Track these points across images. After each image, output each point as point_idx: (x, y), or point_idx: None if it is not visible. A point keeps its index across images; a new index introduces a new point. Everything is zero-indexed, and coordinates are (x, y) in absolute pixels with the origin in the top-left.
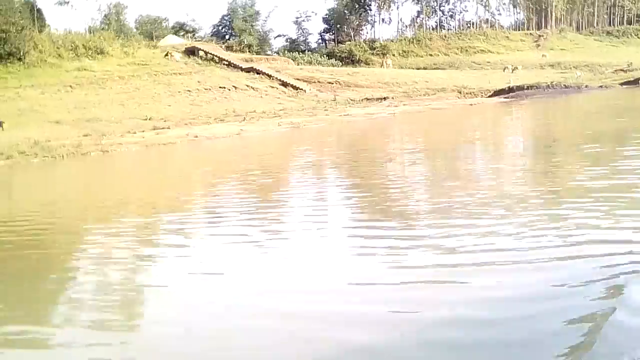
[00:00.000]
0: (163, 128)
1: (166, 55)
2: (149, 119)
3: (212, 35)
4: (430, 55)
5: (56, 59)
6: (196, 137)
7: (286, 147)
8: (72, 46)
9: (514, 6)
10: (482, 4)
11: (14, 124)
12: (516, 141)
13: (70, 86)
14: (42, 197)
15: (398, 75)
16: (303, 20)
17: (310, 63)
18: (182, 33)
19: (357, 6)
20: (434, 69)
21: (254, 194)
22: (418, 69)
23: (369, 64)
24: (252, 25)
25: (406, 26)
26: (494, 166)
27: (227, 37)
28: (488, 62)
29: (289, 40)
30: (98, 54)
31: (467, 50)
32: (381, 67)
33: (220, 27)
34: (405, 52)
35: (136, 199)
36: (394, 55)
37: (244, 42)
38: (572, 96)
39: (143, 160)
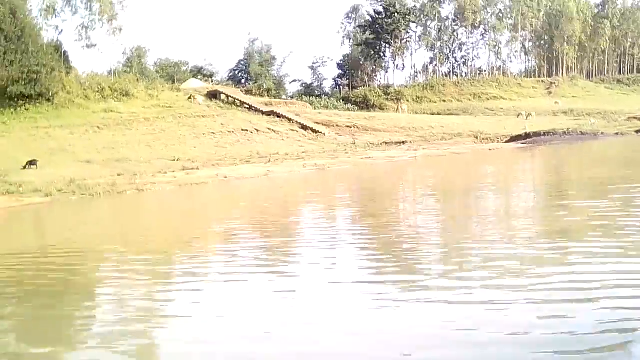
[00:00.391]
0: (192, 169)
1: (189, 98)
2: (177, 160)
3: (228, 79)
4: (444, 101)
5: (83, 100)
6: (226, 177)
7: (317, 187)
8: (98, 88)
9: (526, 54)
10: (494, 52)
11: (46, 162)
12: (547, 189)
13: (98, 127)
14: (96, 231)
15: (414, 120)
16: (319, 66)
17: (327, 107)
18: (199, 77)
19: (372, 53)
20: (448, 114)
21: (289, 236)
22: (432, 114)
23: (383, 109)
24: (268, 70)
25: (419, 72)
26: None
27: (243, 80)
28: (501, 108)
29: (304, 85)
30: (123, 96)
31: (479, 97)
32: (396, 112)
33: (236, 72)
34: (419, 97)
35: (179, 235)
36: (407, 100)
37: (262, 86)
38: (590, 143)
39: (179, 199)
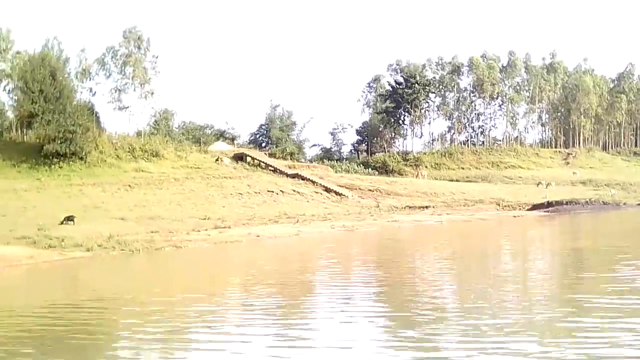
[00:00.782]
0: (224, 227)
1: (217, 160)
2: (207, 219)
3: (250, 142)
4: (462, 168)
5: (115, 159)
6: (258, 236)
7: (350, 248)
8: (129, 148)
9: (542, 125)
10: (511, 122)
11: (80, 219)
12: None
13: (129, 185)
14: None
15: (434, 186)
16: (339, 132)
17: (348, 171)
18: (222, 139)
19: (392, 120)
20: (466, 181)
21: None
22: (451, 180)
23: (402, 174)
24: (288, 135)
25: (435, 140)
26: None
27: (263, 144)
28: (520, 177)
29: (323, 149)
30: (153, 156)
31: (497, 165)
32: (416, 177)
33: (257, 135)
34: (437, 164)
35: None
36: (426, 167)
37: (286, 150)
38: (613, 212)
39: (218, 256)
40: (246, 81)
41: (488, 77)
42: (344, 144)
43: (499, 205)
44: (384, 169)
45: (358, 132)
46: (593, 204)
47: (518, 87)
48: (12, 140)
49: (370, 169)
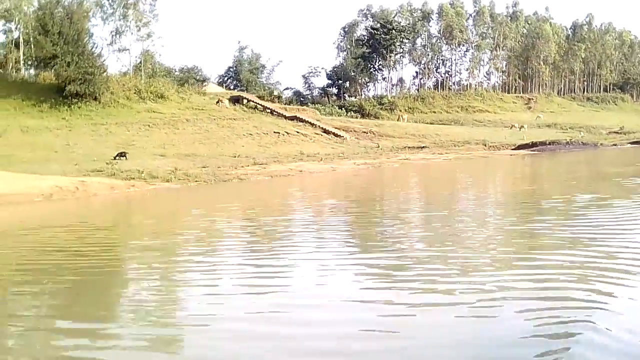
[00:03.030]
0: (261, 164)
1: (217, 102)
2: (237, 156)
3: (218, 85)
4: (434, 112)
5: (126, 100)
6: (301, 171)
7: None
8: (135, 89)
9: (503, 71)
10: (476, 68)
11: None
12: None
13: (149, 125)
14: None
15: (419, 128)
16: (313, 76)
17: (331, 114)
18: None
19: (368, 65)
20: (440, 124)
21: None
22: (428, 123)
23: (378, 117)
24: (257, 77)
25: (402, 84)
26: None
27: (232, 87)
28: (489, 120)
29: (295, 92)
30: (159, 97)
31: (466, 109)
32: (397, 120)
33: (225, 78)
34: (410, 108)
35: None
36: (400, 110)
37: (273, 93)
38: (596, 151)
39: (296, 184)
40: (211, 23)
41: (457, 25)
42: (315, 88)
43: (485, 145)
44: (360, 113)
45: (328, 76)
46: (573, 144)
47: (484, 35)
48: (24, 80)
49: (352, 113)
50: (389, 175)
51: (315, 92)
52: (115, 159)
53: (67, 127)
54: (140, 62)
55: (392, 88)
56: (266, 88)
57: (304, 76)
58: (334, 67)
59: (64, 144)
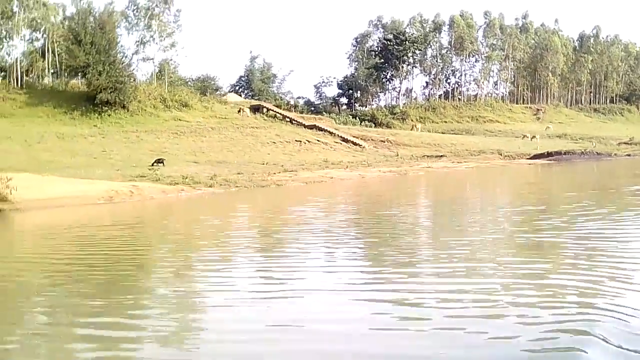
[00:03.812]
0: (291, 171)
1: (239, 111)
2: (266, 164)
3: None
4: (445, 122)
5: (152, 109)
6: (332, 178)
7: (434, 186)
8: (161, 98)
9: (512, 83)
10: (486, 80)
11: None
12: None
13: (176, 133)
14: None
15: (434, 137)
16: (324, 85)
17: (345, 124)
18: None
19: (381, 75)
20: (452, 134)
21: None
22: (438, 132)
23: (390, 127)
24: (268, 87)
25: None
26: None
27: (242, 96)
28: (500, 130)
29: (306, 102)
30: (183, 106)
31: (477, 119)
32: (411, 129)
33: (237, 87)
34: (422, 117)
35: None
36: (412, 120)
37: (289, 102)
38: (612, 161)
39: (332, 190)
40: (222, 32)
41: (468, 36)
42: (326, 97)
43: (500, 155)
44: (372, 122)
45: (339, 86)
46: (587, 154)
47: (494, 46)
48: (54, 88)
49: (366, 122)
50: (425, 182)
51: (326, 102)
52: (153, 165)
53: (100, 134)
54: (159, 71)
55: (401, 98)
56: (278, 97)
57: (315, 86)
58: (344, 77)
59: (100, 150)
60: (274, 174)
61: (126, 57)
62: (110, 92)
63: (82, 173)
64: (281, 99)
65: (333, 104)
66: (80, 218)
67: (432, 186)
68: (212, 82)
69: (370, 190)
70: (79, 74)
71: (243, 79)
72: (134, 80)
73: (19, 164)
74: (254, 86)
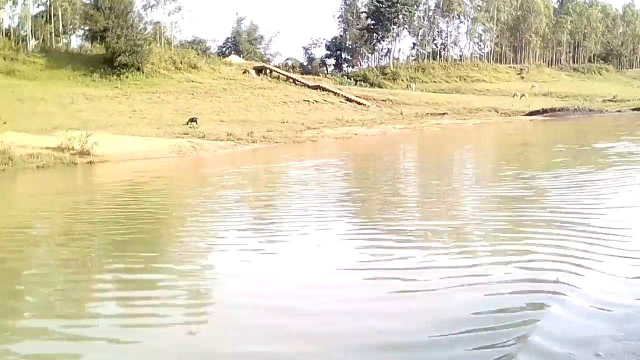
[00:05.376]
0: (314, 128)
1: (244, 72)
2: (285, 122)
3: (218, 55)
4: (434, 82)
5: (165, 71)
6: (356, 134)
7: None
8: (171, 60)
9: (496, 44)
10: (472, 40)
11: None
12: None
13: (192, 94)
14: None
15: (431, 97)
16: (314, 47)
17: (342, 84)
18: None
19: (372, 36)
20: (442, 93)
21: None
22: (429, 92)
23: (381, 87)
24: (255, 48)
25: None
26: None
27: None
28: (488, 89)
29: (296, 63)
30: (192, 68)
31: (464, 79)
32: (406, 89)
33: (224, 49)
34: (412, 78)
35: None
36: (403, 80)
37: (288, 63)
38: (606, 116)
39: (366, 143)
40: None
41: None
42: (314, 59)
43: (497, 112)
44: (364, 82)
45: (327, 47)
46: (580, 111)
47: (479, 8)
48: (70, 52)
49: (362, 83)
50: (451, 135)
51: (315, 63)
52: (188, 123)
53: (124, 95)
54: (156, 34)
55: (391, 59)
56: (265, 59)
57: (304, 47)
58: (333, 39)
59: (130, 110)
60: (300, 131)
61: (140, 20)
62: (129, 55)
63: (132, 131)
64: (269, 61)
65: (321, 65)
66: (180, 165)
67: (462, 139)
68: (203, 45)
69: (408, 143)
70: (98, 38)
71: (230, 40)
72: (149, 43)
73: (65, 124)
74: (242, 47)
